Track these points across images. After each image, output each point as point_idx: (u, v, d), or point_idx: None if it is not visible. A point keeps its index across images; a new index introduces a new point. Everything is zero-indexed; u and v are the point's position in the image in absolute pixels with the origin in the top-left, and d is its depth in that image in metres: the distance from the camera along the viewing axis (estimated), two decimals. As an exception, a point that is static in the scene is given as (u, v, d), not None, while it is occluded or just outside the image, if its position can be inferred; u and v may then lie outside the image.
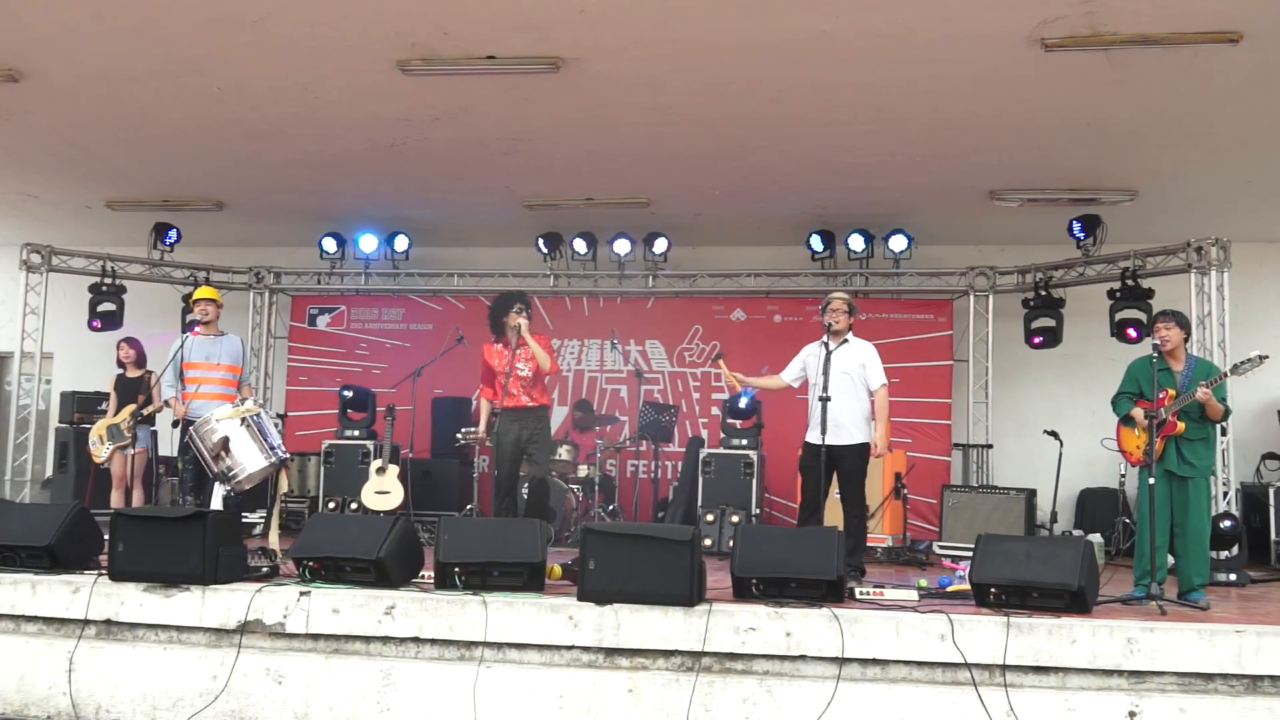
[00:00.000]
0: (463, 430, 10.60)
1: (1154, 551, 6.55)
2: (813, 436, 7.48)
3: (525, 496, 8.17)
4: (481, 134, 9.10)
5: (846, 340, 7.67)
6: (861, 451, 7.57)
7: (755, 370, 8.79)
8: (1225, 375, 6.89)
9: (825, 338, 7.64)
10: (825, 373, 7.38)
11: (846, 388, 7.47)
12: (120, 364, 9.73)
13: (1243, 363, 6.79)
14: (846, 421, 7.44)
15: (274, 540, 7.13)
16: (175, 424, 8.28)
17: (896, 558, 9.57)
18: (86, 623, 6.33)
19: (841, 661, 5.69)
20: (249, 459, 7.02)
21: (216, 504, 7.03)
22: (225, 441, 6.95)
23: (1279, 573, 9.16)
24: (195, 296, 8.49)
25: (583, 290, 12.25)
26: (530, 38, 7.28)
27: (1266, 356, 6.71)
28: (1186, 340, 7.04)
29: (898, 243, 11.27)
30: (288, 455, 7.45)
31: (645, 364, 12.00)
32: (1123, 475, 10.14)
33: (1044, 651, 5.62)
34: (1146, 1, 6.54)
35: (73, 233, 12.33)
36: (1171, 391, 6.81)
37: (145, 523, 6.53)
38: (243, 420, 7.03)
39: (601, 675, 5.83)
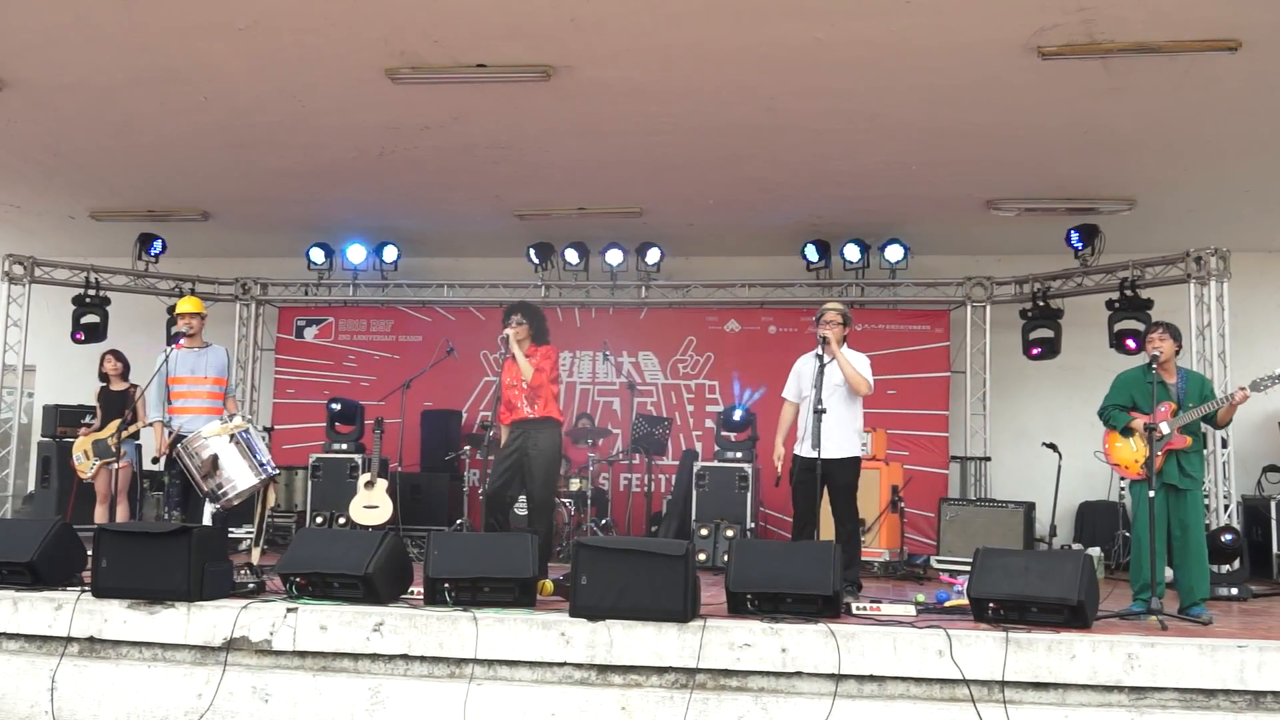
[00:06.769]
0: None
1: (1154, 565, 6.52)
2: (803, 449, 7.44)
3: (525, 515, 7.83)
4: (471, 143, 9.04)
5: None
6: (852, 465, 7.51)
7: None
8: (1243, 390, 6.71)
9: (819, 349, 7.57)
10: (818, 385, 7.32)
11: (838, 401, 7.39)
12: (104, 377, 9.57)
13: (1263, 379, 6.68)
14: (837, 435, 7.34)
15: (255, 557, 7.03)
16: (155, 460, 8.12)
17: (893, 572, 9.48)
18: (69, 640, 6.24)
19: (838, 678, 5.64)
20: (239, 476, 6.93)
21: (206, 522, 6.93)
22: (215, 459, 6.87)
23: (1281, 586, 9.10)
24: (178, 309, 8.27)
25: (574, 301, 12.16)
26: (521, 46, 7.23)
27: None
28: (1178, 353, 6.96)
29: (894, 253, 11.23)
30: (276, 471, 7.36)
31: (638, 376, 11.92)
32: (1123, 488, 10.06)
33: (1043, 667, 5.56)
34: (1144, 9, 6.51)
35: (56, 243, 12.24)
36: (1172, 405, 6.73)
37: (129, 538, 6.44)
38: (231, 437, 6.94)
39: (594, 693, 5.76)
